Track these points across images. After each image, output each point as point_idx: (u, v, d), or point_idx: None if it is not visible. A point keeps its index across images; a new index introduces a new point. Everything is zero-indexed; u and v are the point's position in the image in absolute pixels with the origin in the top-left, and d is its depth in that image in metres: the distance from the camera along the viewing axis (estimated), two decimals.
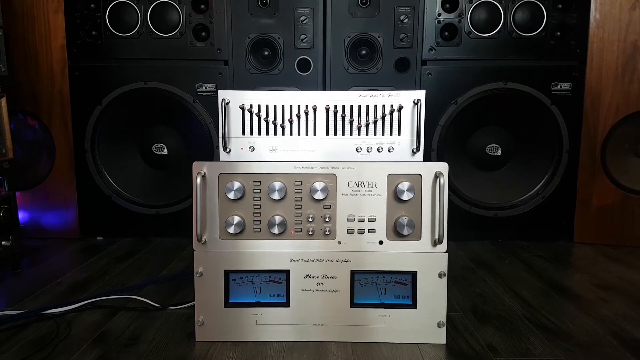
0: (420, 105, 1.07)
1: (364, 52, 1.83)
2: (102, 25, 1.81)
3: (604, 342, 1.08)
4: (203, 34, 1.82)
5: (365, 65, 1.82)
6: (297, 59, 1.81)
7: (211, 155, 1.82)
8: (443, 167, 1.04)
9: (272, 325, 1.07)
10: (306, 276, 1.07)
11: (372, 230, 1.06)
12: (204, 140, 1.83)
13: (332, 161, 1.06)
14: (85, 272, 1.54)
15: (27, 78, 1.84)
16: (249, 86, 1.80)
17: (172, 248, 1.78)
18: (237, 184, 1.04)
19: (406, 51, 1.81)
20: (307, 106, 1.08)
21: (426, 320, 1.06)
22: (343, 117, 1.09)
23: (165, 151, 1.90)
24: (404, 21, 1.79)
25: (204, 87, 1.82)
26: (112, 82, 1.82)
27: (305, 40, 1.80)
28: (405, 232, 1.04)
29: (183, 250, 1.74)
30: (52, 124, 1.86)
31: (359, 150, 1.09)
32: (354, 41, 1.80)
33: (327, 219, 1.06)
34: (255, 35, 1.80)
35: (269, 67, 1.82)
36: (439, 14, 1.79)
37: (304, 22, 1.79)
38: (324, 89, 1.82)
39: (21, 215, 1.85)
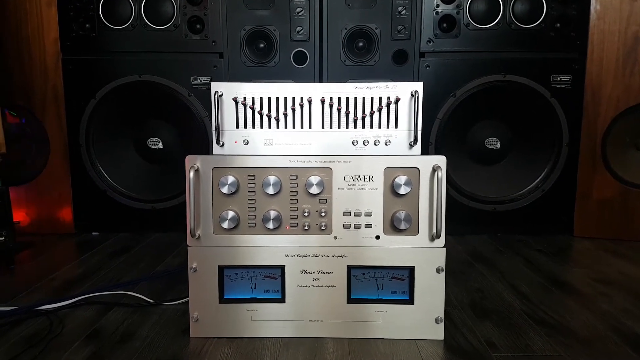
0: (417, 97, 1.05)
1: (361, 44, 1.80)
2: (95, 18, 1.78)
3: (604, 338, 1.07)
4: (198, 26, 1.79)
5: (362, 57, 1.79)
6: (293, 52, 1.79)
7: (207, 149, 1.80)
8: (441, 160, 1.02)
9: (267, 321, 1.06)
10: (302, 272, 1.05)
11: (368, 225, 1.04)
12: (200, 133, 1.81)
13: (327, 155, 1.04)
14: (80, 267, 1.52)
15: (20, 72, 1.81)
16: (245, 79, 1.78)
17: (168, 243, 1.77)
18: (231, 178, 1.02)
19: (404, 43, 1.78)
20: (302, 98, 1.06)
21: (424, 315, 1.05)
22: (339, 110, 1.07)
23: (161, 145, 1.88)
24: (402, 13, 1.76)
25: (199, 80, 1.79)
26: (106, 75, 1.79)
27: (301, 32, 1.77)
28: (402, 226, 1.03)
29: (179, 246, 1.73)
30: (46, 118, 1.84)
31: (355, 144, 1.07)
32: (351, 33, 1.77)
33: (322, 214, 1.04)
34: (251, 27, 1.77)
35: (265, 59, 1.79)
36: (437, 6, 1.77)
37: (300, 13, 1.76)
38: (321, 81, 1.80)
39: (15, 211, 1.83)
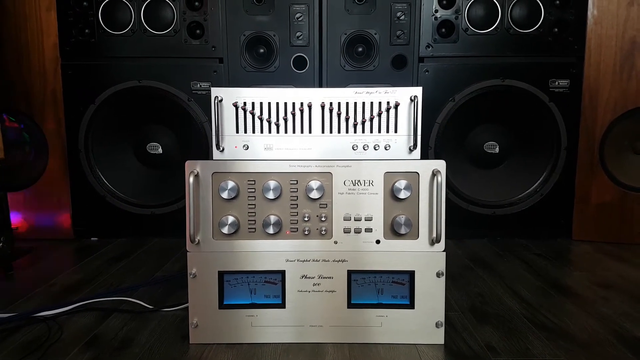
0: (416, 102, 1.05)
1: (360, 49, 1.81)
2: (95, 23, 1.79)
3: (604, 341, 1.07)
4: (197, 31, 1.80)
5: (361, 62, 1.80)
6: (293, 57, 1.79)
7: (207, 154, 1.80)
8: (440, 164, 1.02)
9: (267, 327, 1.06)
10: (302, 277, 1.05)
11: (368, 230, 1.04)
12: (199, 139, 1.82)
13: (327, 159, 1.04)
14: (79, 273, 1.51)
15: (20, 77, 1.81)
16: (245, 84, 1.78)
17: (168, 248, 1.76)
18: (231, 183, 1.02)
19: (403, 48, 1.79)
20: (302, 103, 1.06)
21: (424, 320, 1.05)
22: (339, 115, 1.07)
23: (160, 150, 1.88)
24: (401, 18, 1.77)
25: (198, 86, 1.80)
26: (106, 80, 1.80)
27: (301, 37, 1.78)
28: (402, 231, 1.03)
29: (178, 251, 1.72)
30: (45, 123, 1.84)
31: (355, 148, 1.07)
32: (350, 38, 1.78)
33: (323, 219, 1.04)
34: (251, 32, 1.78)
35: (265, 64, 1.80)
36: (436, 11, 1.78)
37: (300, 19, 1.77)
38: (320, 86, 1.81)
39: (14, 217, 1.82)
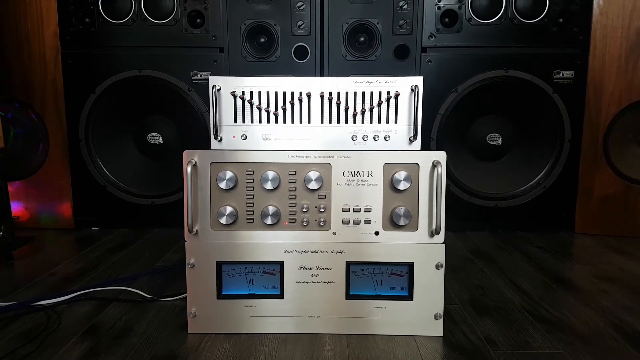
0: (417, 91, 1.04)
1: (362, 39, 1.79)
2: (95, 12, 1.77)
3: (604, 335, 1.06)
4: (198, 20, 1.78)
5: (363, 52, 1.78)
6: (294, 46, 1.78)
7: (207, 144, 1.77)
8: (441, 156, 1.01)
9: (265, 317, 1.05)
10: (300, 267, 1.05)
11: (367, 221, 1.03)
12: (200, 129, 1.81)
13: (327, 150, 1.04)
14: (79, 263, 1.52)
15: (20, 66, 1.80)
16: (245, 74, 1.77)
17: (168, 239, 1.76)
18: (229, 174, 1.02)
19: (406, 38, 1.77)
20: (301, 93, 1.05)
21: (423, 312, 1.04)
22: (338, 105, 1.05)
23: (161, 140, 1.87)
24: (404, 7, 1.75)
25: (199, 75, 1.78)
26: (106, 70, 1.79)
27: (302, 26, 1.76)
28: (401, 222, 1.02)
29: (179, 241, 1.72)
30: (45, 113, 1.83)
31: (354, 139, 1.06)
32: (352, 28, 1.76)
33: (321, 209, 1.03)
34: (251, 21, 1.76)
35: (266, 54, 1.78)
36: (439, 0, 1.75)
37: (301, 8, 1.75)
38: (322, 76, 1.79)
39: (15, 206, 1.82)
